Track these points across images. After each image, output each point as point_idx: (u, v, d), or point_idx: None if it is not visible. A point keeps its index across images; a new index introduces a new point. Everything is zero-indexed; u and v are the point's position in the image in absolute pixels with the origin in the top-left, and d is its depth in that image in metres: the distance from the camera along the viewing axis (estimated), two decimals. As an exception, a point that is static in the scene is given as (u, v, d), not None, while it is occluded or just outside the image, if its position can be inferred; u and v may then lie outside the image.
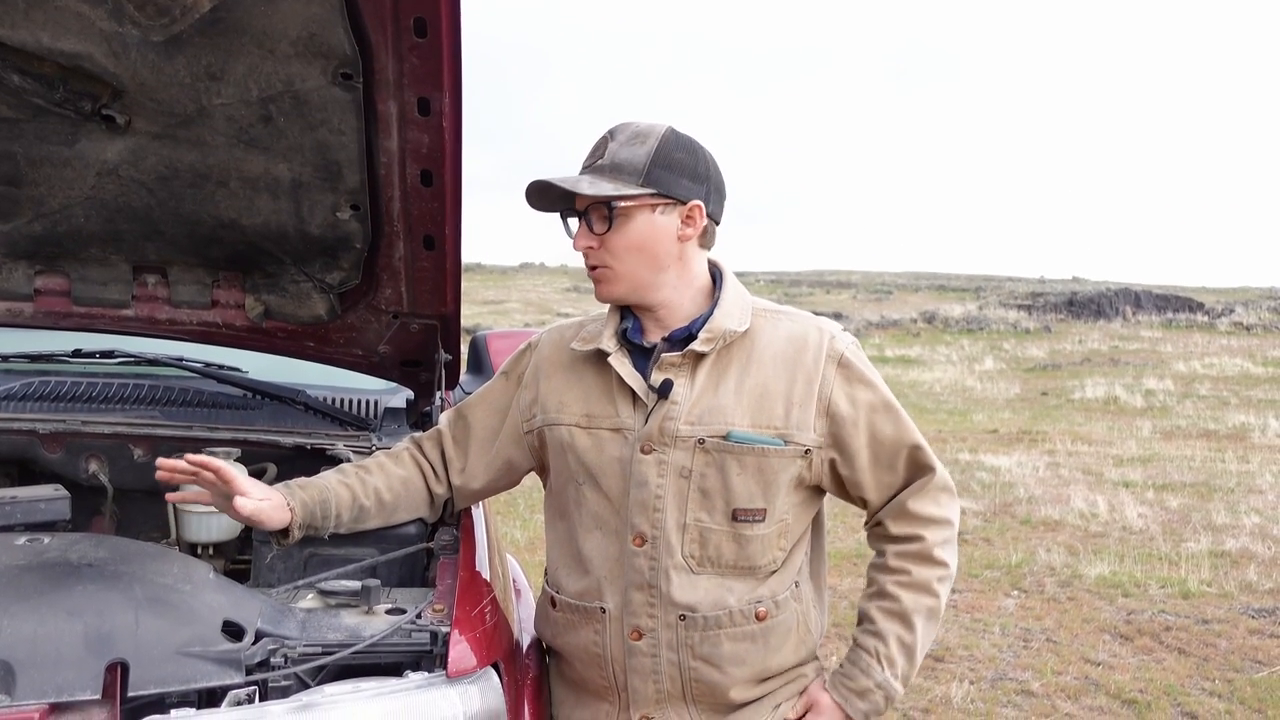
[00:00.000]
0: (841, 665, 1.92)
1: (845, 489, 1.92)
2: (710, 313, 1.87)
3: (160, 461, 1.86)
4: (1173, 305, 32.03)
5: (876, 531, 1.95)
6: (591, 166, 1.82)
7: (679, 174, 1.83)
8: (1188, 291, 37.54)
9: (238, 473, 1.86)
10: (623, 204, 1.79)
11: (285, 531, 1.90)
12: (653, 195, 1.80)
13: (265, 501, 1.86)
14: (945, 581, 1.90)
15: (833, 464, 1.87)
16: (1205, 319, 29.99)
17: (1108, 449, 11.95)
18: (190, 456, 1.85)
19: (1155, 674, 5.02)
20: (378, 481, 2.00)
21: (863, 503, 1.94)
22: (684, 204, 1.84)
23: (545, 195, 1.85)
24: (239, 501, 1.81)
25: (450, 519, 2.17)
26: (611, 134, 1.84)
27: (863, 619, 1.92)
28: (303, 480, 1.95)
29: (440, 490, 2.06)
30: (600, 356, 1.91)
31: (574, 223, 1.87)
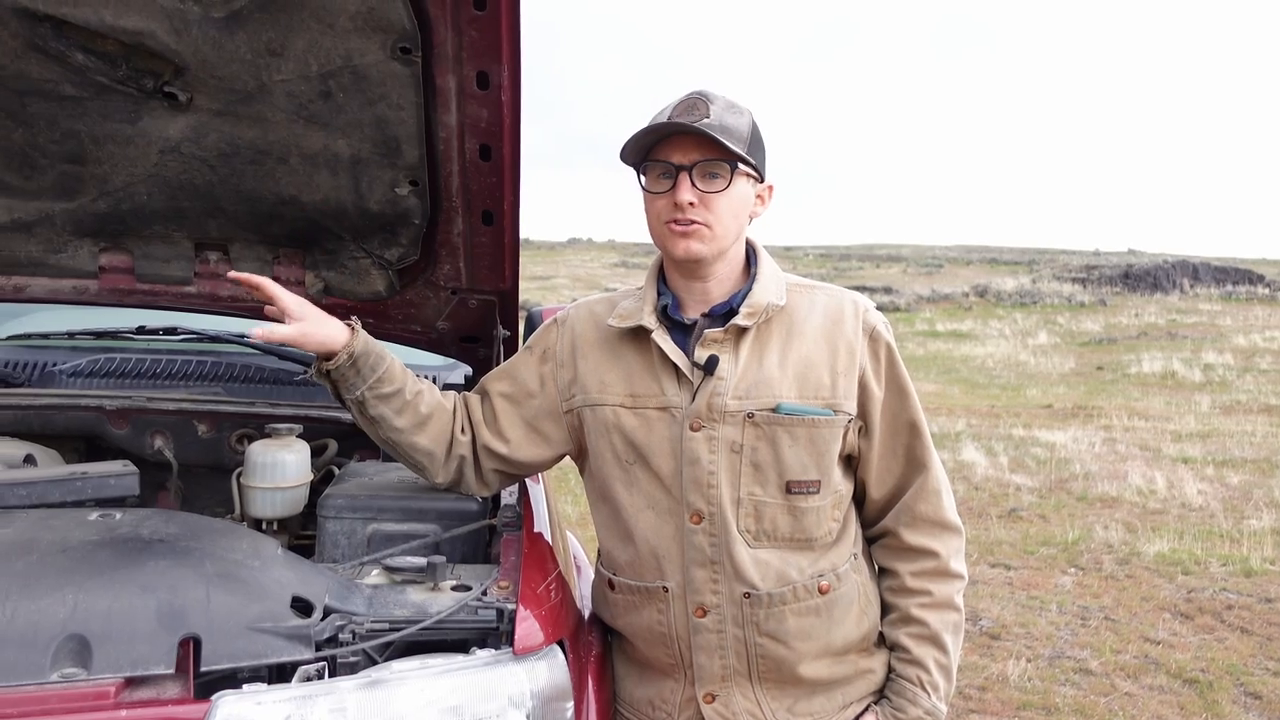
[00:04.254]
0: (887, 696, 1.93)
1: (854, 468, 1.93)
2: (749, 288, 1.87)
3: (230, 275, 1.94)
4: (1232, 277, 31.38)
5: (888, 545, 1.95)
6: (703, 124, 1.76)
7: (763, 153, 1.87)
8: (1247, 263, 36.75)
9: (281, 291, 1.89)
10: (741, 165, 1.80)
11: (331, 355, 1.89)
12: (751, 167, 1.83)
13: (321, 318, 1.89)
14: (962, 592, 1.94)
15: (859, 433, 1.89)
16: (1266, 291, 29.35)
17: (1165, 424, 11.77)
18: (233, 275, 1.92)
19: (1217, 653, 4.94)
20: (424, 389, 1.99)
21: (862, 493, 1.94)
22: (761, 182, 1.89)
23: (641, 143, 1.81)
24: (288, 303, 1.87)
25: (509, 494, 2.16)
26: (707, 97, 1.80)
27: (894, 647, 1.93)
28: None
29: (463, 439, 1.99)
30: (640, 333, 1.89)
31: (645, 178, 1.84)
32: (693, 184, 1.78)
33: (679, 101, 1.81)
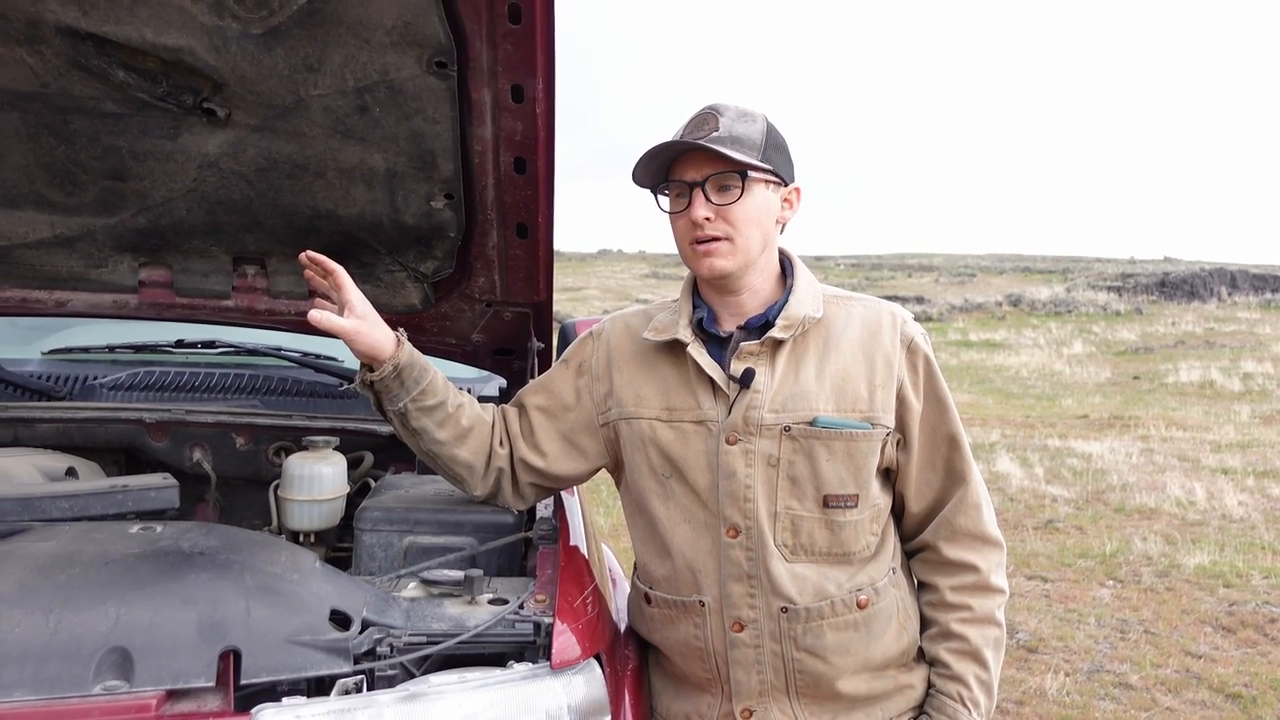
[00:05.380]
0: (927, 712, 1.91)
1: (892, 482, 1.92)
2: (785, 300, 1.86)
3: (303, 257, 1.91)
4: (1271, 285, 30.97)
5: (927, 559, 1.93)
6: (708, 138, 1.76)
7: (784, 156, 1.85)
8: (1287, 271, 36.24)
9: (351, 284, 1.88)
10: (754, 174, 1.78)
11: (375, 363, 1.87)
12: (769, 172, 1.81)
13: (377, 322, 1.87)
14: (1003, 607, 1.91)
15: (897, 446, 1.87)
16: (1306, 299, 28.94)
17: (1204, 434, 11.59)
18: (310, 254, 1.89)
19: (1260, 667, 4.86)
20: (465, 402, 1.99)
21: (900, 507, 1.93)
22: (786, 185, 1.87)
23: (652, 165, 1.81)
24: (352, 298, 1.85)
25: (545, 507, 2.16)
26: (717, 110, 1.80)
27: (934, 662, 1.91)
28: None
29: (501, 452, 2.00)
30: (675, 347, 1.88)
31: (664, 199, 1.84)
32: (707, 199, 1.78)
33: (690, 119, 1.82)
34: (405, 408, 1.90)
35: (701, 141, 1.75)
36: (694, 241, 1.81)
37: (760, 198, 1.81)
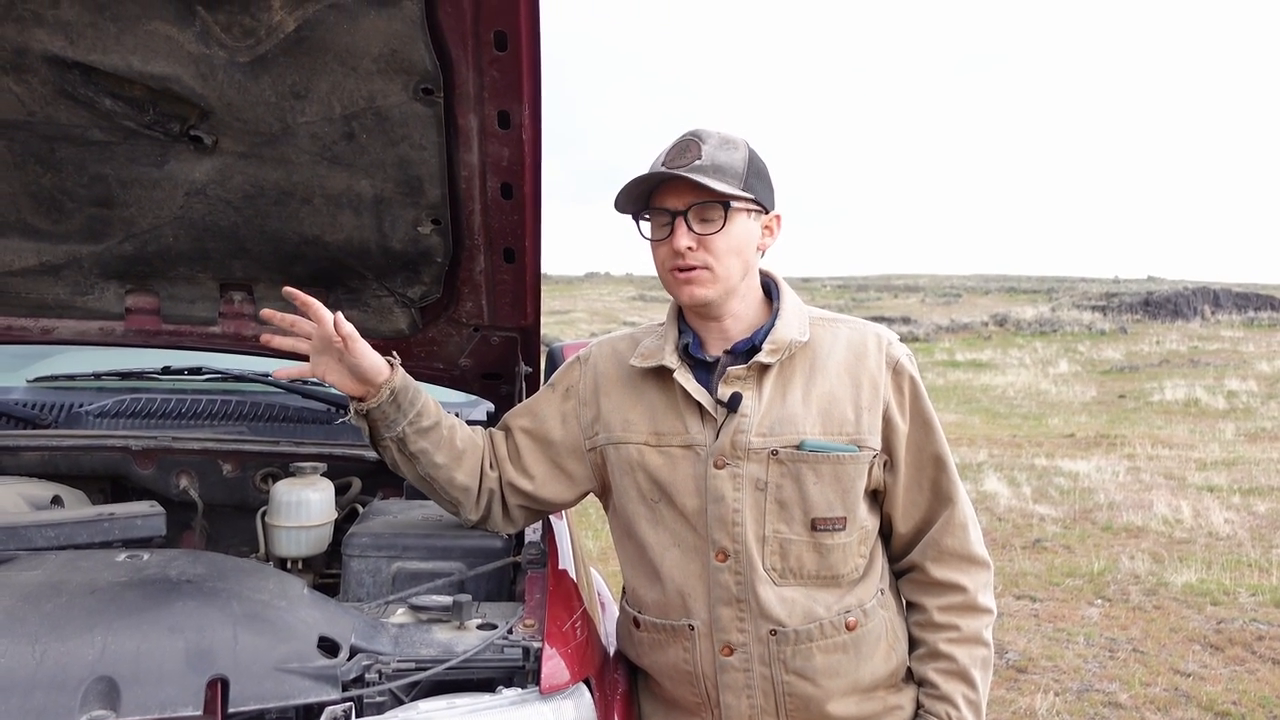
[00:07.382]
0: None
1: (879, 503, 1.92)
2: (772, 324, 1.86)
3: (265, 313, 1.84)
4: (1254, 303, 31.19)
5: (915, 579, 1.94)
6: (690, 167, 1.77)
7: (765, 184, 1.85)
8: (1269, 289, 36.51)
9: (341, 318, 1.81)
10: (736, 204, 1.79)
11: (366, 392, 1.85)
12: (751, 201, 1.81)
13: (368, 348, 1.83)
14: (990, 627, 1.92)
15: (884, 467, 1.88)
16: (1288, 317, 29.14)
17: (1190, 452, 11.64)
18: (289, 291, 1.83)
19: (1249, 685, 4.87)
20: (456, 424, 1.98)
21: (888, 528, 1.93)
22: (767, 213, 1.87)
23: (634, 192, 1.82)
24: (341, 322, 1.78)
25: (534, 531, 2.16)
26: (699, 137, 1.81)
27: (922, 682, 1.91)
28: None
29: (492, 474, 1.99)
30: (662, 372, 1.89)
31: (646, 225, 1.85)
32: (689, 228, 1.78)
33: (672, 145, 1.82)
34: (403, 432, 1.90)
35: (683, 172, 1.76)
36: (675, 269, 1.81)
37: (742, 227, 1.82)
